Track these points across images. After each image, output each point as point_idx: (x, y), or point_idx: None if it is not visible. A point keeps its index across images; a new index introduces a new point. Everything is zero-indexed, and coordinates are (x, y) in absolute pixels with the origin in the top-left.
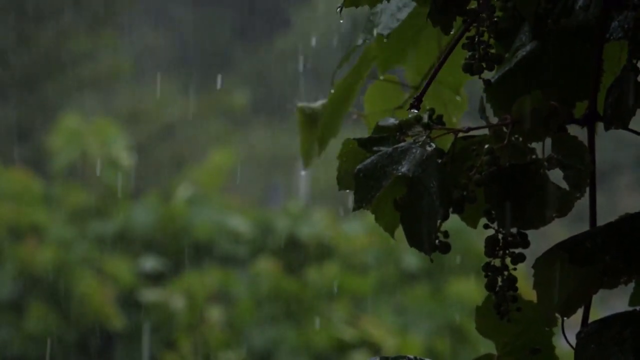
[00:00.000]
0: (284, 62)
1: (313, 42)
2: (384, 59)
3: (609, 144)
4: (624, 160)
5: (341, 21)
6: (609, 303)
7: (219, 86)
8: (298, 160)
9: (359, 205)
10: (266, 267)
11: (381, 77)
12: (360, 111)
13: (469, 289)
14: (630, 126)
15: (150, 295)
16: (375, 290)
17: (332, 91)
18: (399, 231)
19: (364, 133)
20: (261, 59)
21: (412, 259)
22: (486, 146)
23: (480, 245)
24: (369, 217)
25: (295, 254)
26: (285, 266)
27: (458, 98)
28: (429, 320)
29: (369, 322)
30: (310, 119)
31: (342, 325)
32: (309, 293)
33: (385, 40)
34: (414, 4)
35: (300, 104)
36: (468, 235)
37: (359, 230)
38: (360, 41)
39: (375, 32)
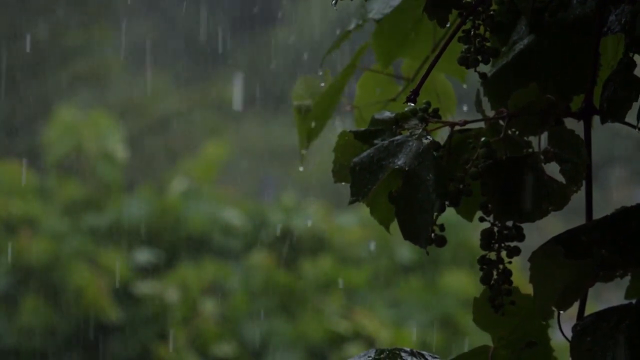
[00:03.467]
0: (279, 55)
1: (308, 34)
2: (384, 53)
3: (604, 137)
4: (618, 153)
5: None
6: (603, 296)
7: (212, 79)
8: (292, 153)
9: (355, 198)
10: (260, 260)
11: (372, 68)
12: (351, 101)
13: (463, 282)
14: (626, 119)
15: (144, 287)
16: (369, 282)
17: (324, 85)
18: (394, 224)
19: (354, 125)
20: (255, 51)
21: (406, 251)
22: (482, 139)
23: (474, 238)
24: (363, 210)
25: (289, 247)
26: (279, 259)
27: (465, 87)
28: (422, 312)
29: (363, 315)
30: (305, 115)
31: (336, 318)
32: (303, 286)
33: (376, 28)
34: None
35: (295, 102)
36: (462, 228)
37: (353, 223)
38: (352, 26)
39: (367, 16)
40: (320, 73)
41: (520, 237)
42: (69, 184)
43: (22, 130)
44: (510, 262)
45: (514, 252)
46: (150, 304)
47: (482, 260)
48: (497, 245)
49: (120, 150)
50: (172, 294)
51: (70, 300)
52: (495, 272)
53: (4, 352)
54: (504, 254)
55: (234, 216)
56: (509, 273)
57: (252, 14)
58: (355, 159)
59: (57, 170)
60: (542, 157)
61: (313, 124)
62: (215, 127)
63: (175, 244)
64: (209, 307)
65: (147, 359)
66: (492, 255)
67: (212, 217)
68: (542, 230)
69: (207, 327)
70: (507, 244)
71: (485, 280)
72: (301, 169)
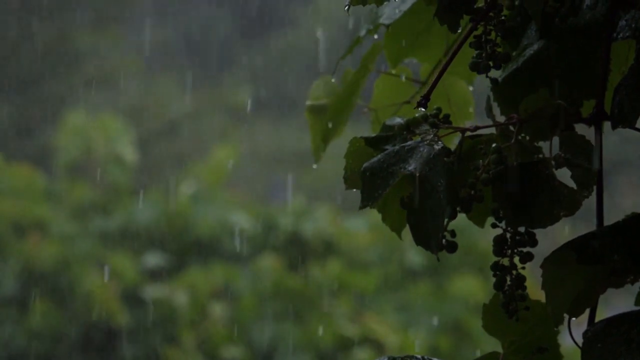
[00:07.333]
0: (287, 59)
1: (316, 38)
2: (394, 53)
3: (613, 141)
4: (627, 158)
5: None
6: (611, 302)
7: (222, 82)
8: (301, 156)
9: (365, 203)
10: (269, 263)
11: (392, 71)
12: (367, 103)
13: (472, 287)
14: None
15: (153, 291)
16: (378, 287)
17: (338, 86)
18: (406, 230)
19: (369, 127)
20: (264, 55)
21: (415, 256)
22: (493, 145)
23: (483, 243)
24: (372, 214)
25: (298, 250)
26: (288, 263)
27: (471, 88)
28: (431, 317)
29: (372, 319)
30: (319, 115)
31: (345, 322)
32: (311, 290)
33: (387, 29)
34: None
35: (309, 102)
36: (471, 233)
37: (361, 227)
38: (363, 32)
39: (378, 22)
40: (334, 80)
41: (533, 242)
42: (78, 187)
43: (33, 133)
44: (523, 268)
45: (526, 257)
46: (159, 308)
47: (496, 267)
48: (509, 251)
49: (129, 154)
50: (181, 298)
51: (79, 304)
52: (508, 278)
53: (13, 355)
54: (516, 259)
55: (243, 220)
56: (523, 279)
57: (262, 18)
58: (366, 164)
59: (67, 174)
60: (553, 162)
61: (330, 125)
62: (224, 131)
63: (184, 247)
64: (217, 310)
65: None
66: (505, 261)
67: (221, 220)
68: (549, 236)
69: (216, 331)
70: (519, 249)
71: (498, 286)
72: (314, 166)
